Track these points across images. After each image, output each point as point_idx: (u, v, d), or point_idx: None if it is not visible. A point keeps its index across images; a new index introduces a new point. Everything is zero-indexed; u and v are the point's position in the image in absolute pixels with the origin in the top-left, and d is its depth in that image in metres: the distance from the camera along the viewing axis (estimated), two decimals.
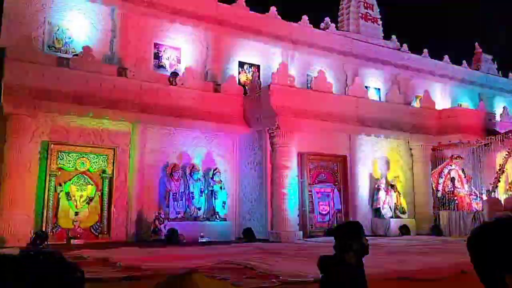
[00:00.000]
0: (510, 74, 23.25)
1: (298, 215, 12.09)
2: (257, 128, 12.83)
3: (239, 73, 15.97)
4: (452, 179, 14.90)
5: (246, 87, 14.31)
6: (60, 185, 10.89)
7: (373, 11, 20.12)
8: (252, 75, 15.60)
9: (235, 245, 9.53)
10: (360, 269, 3.34)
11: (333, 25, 19.01)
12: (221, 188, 12.44)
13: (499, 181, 14.72)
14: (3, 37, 11.70)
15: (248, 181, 12.95)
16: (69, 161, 11.07)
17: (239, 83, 15.08)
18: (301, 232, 11.84)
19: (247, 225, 12.05)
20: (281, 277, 5.32)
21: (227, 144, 13.37)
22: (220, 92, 13.37)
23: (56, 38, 12.79)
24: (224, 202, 12.45)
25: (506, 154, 14.94)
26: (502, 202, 13.46)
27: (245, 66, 16.21)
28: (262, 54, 16.56)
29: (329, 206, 12.94)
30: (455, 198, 14.52)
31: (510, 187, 14.75)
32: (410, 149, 15.06)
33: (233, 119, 13.12)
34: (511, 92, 22.68)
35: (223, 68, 15.44)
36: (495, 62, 23.31)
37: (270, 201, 11.94)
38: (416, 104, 17.96)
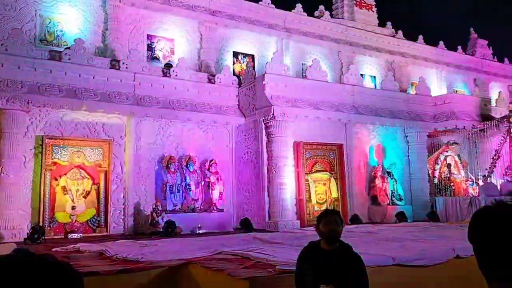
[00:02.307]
0: (505, 59, 23.22)
1: (295, 204, 12.13)
2: (252, 118, 12.80)
3: (234, 63, 15.90)
4: (448, 165, 14.95)
5: (241, 77, 14.25)
6: (56, 179, 10.87)
7: None
8: (246, 65, 15.54)
9: (232, 235, 9.55)
10: (341, 255, 3.34)
11: (327, 12, 18.90)
12: (217, 179, 12.45)
13: (495, 166, 14.79)
14: None
15: (245, 171, 12.95)
16: (64, 155, 11.03)
17: (234, 73, 15.01)
18: (298, 221, 11.89)
19: (245, 215, 12.08)
20: (277, 267, 5.32)
21: (222, 135, 13.34)
22: (215, 83, 13.30)
23: (48, 31, 12.67)
24: (221, 193, 12.48)
25: (502, 139, 14.99)
26: (498, 187, 13.52)
27: (240, 56, 16.13)
28: (256, 44, 16.48)
29: (326, 194, 12.96)
30: (452, 184, 14.59)
31: (506, 172, 14.81)
32: (406, 136, 15.07)
33: (228, 110, 13.08)
34: (507, 77, 22.65)
35: (217, 58, 15.37)
36: (490, 47, 23.25)
37: (267, 191, 11.96)
38: (411, 91, 17.96)
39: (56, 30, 12.79)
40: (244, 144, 13.15)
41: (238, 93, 13.46)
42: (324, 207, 12.35)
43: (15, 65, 10.22)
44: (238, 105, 13.37)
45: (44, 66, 10.63)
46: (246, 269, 5.33)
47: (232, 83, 13.53)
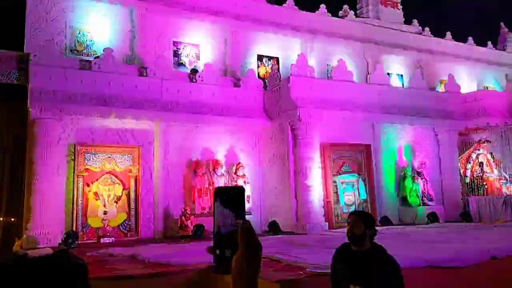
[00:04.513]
0: None
1: (323, 207, 12.04)
2: (278, 121, 12.81)
3: (258, 66, 15.95)
4: (481, 164, 14.53)
5: (266, 80, 14.28)
6: (88, 185, 11.17)
7: None
8: (271, 68, 15.56)
9: (261, 238, 9.57)
10: (372, 256, 3.31)
11: (352, 12, 18.72)
12: (245, 182, 12.50)
13: None
14: (27, 43, 12.03)
15: (272, 174, 12.96)
16: (95, 161, 11.32)
17: (259, 76, 15.06)
18: (326, 224, 11.79)
19: (272, 218, 12.07)
20: (307, 269, 5.31)
21: (249, 138, 13.40)
22: (240, 86, 13.39)
23: (78, 41, 13.05)
24: (248, 196, 12.52)
25: None
26: None
27: (264, 59, 16.17)
28: (280, 46, 16.48)
29: (354, 196, 12.82)
30: (484, 183, 14.17)
31: None
32: (436, 135, 14.75)
33: (254, 113, 13.14)
34: None
35: (242, 62, 15.45)
36: None
37: (295, 193, 11.92)
38: (440, 89, 17.54)
39: (86, 40, 13.16)
40: (271, 147, 13.16)
41: (264, 96, 13.50)
42: (352, 209, 12.22)
43: (47, 75, 10.58)
44: (264, 108, 13.41)
45: (75, 75, 10.96)
46: (276, 271, 5.35)
47: (257, 87, 13.59)
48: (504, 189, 14.12)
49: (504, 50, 21.65)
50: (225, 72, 14.83)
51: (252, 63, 15.76)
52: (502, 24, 22.66)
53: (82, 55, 12.87)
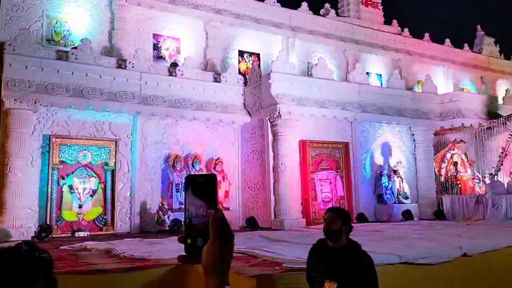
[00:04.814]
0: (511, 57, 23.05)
1: (300, 203, 12.15)
2: (258, 117, 12.82)
3: (239, 62, 15.92)
4: (455, 163, 14.88)
5: (247, 76, 14.27)
6: (63, 178, 10.95)
7: None
8: (252, 64, 15.56)
9: (238, 233, 9.58)
10: (347, 253, 3.36)
11: (333, 11, 18.88)
12: (223, 178, 12.49)
13: (502, 165, 14.71)
14: (2, 32, 11.69)
15: (251, 170, 12.99)
16: (71, 154, 11.10)
17: (240, 72, 15.03)
18: (304, 220, 11.90)
19: (250, 214, 12.12)
20: (284, 265, 5.33)
21: (228, 134, 13.37)
22: (220, 81, 13.33)
23: (55, 31, 12.76)
24: (226, 192, 12.53)
25: (509, 137, 14.90)
26: (505, 185, 13.44)
27: (245, 55, 16.15)
28: (262, 43, 16.49)
29: (331, 193, 12.96)
30: (458, 182, 14.53)
31: None
32: (413, 134, 15.02)
33: (234, 109, 13.12)
34: None
35: (223, 57, 15.39)
36: (497, 45, 23.08)
37: (273, 189, 11.98)
38: (418, 89, 17.87)
39: (63, 30, 12.87)
40: (250, 143, 13.18)
41: (244, 91, 13.48)
42: (329, 206, 12.36)
43: (22, 65, 10.30)
44: (244, 103, 13.40)
45: (51, 65, 10.70)
46: (253, 267, 5.36)
47: (238, 82, 13.56)
48: (476, 189, 14.51)
49: (480, 53, 22.19)
50: (205, 67, 14.75)
51: (233, 58, 15.72)
52: (478, 27, 23.21)
53: (59, 45, 12.59)
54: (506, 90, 18.54)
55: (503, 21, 30.00)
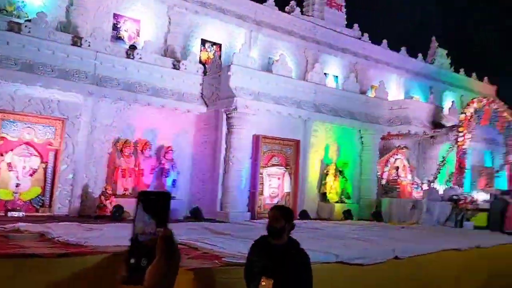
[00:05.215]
0: (461, 70, 24.23)
1: (248, 197, 12.38)
2: (214, 108, 12.87)
3: (201, 51, 15.82)
4: (397, 168, 15.62)
5: (207, 66, 14.23)
6: (2, 155, 10.48)
7: None
8: (213, 54, 15.51)
9: (181, 223, 9.61)
10: (287, 251, 3.54)
11: (298, 9, 19.07)
12: (172, 166, 12.48)
13: (439, 173, 15.61)
14: None
15: (202, 160, 13.05)
16: (13, 130, 10.65)
17: (200, 61, 14.96)
18: (249, 213, 12.16)
19: (197, 204, 12.20)
20: (224, 258, 5.35)
21: (182, 122, 13.32)
22: (179, 69, 13.23)
23: (8, 1, 12.13)
24: (174, 181, 12.52)
25: (450, 147, 15.81)
26: (440, 192, 14.28)
27: (207, 44, 16.05)
28: (225, 34, 16.43)
29: (278, 189, 13.28)
30: (398, 186, 15.28)
31: (449, 178, 15.67)
32: (361, 137, 15.56)
33: (191, 98, 13.08)
34: (461, 88, 23.69)
35: (184, 44, 15.23)
36: (449, 57, 24.15)
37: (222, 181, 12.12)
38: (371, 93, 18.48)
39: (18, 1, 12.26)
40: (204, 133, 13.22)
41: (203, 81, 13.46)
42: (275, 201, 12.67)
43: None
44: (202, 93, 13.39)
45: (1, 37, 10.21)
46: (192, 259, 5.33)
47: (197, 71, 13.51)
48: (414, 194, 15.31)
49: (432, 63, 23.17)
50: (165, 52, 14.55)
51: (195, 46, 15.59)
52: (433, 38, 24.17)
53: (12, 16, 11.98)
54: (452, 102, 19.56)
55: (458, 35, 31.48)
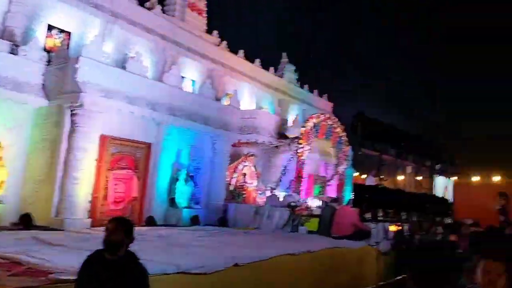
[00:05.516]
0: (305, 85, 26.67)
1: (89, 201, 11.59)
2: (57, 102, 11.78)
3: (47, 37, 14.31)
4: (244, 175, 16.48)
5: (52, 55, 12.94)
6: None
7: (200, 1, 20.57)
8: (61, 43, 14.18)
9: (6, 232, 8.51)
10: (125, 266, 3.43)
11: (159, 7, 18.72)
12: (0, 165, 11.00)
13: (280, 180, 17.00)
14: None
15: (37, 160, 11.79)
16: None
17: (45, 49, 13.53)
18: (89, 220, 11.38)
19: (28, 209, 10.96)
20: (51, 275, 4.97)
21: (16, 116, 11.85)
22: (18, 54, 11.76)
23: None
24: (2, 182, 11.05)
25: (291, 157, 17.32)
26: (281, 198, 15.49)
27: (54, 31, 14.60)
28: (77, 21, 15.16)
29: (125, 193, 12.75)
30: (244, 192, 16.14)
31: (289, 185, 17.14)
32: (214, 143, 15.98)
33: (30, 88, 11.75)
34: (304, 102, 26.07)
35: (26, 28, 13.59)
36: (297, 73, 26.36)
37: (59, 184, 11.13)
38: (225, 101, 19.14)
39: None
40: (43, 130, 11.98)
41: (46, 71, 12.19)
42: (121, 207, 12.16)
43: None
44: (43, 84, 12.12)
45: None
46: (13, 276, 4.86)
47: (40, 59, 12.20)
48: (258, 199, 16.36)
49: (281, 77, 25.03)
50: (2, 34, 12.77)
51: (40, 31, 14.02)
52: (284, 54, 26.15)
53: None
54: (296, 115, 21.45)
55: (307, 53, 34.79)
